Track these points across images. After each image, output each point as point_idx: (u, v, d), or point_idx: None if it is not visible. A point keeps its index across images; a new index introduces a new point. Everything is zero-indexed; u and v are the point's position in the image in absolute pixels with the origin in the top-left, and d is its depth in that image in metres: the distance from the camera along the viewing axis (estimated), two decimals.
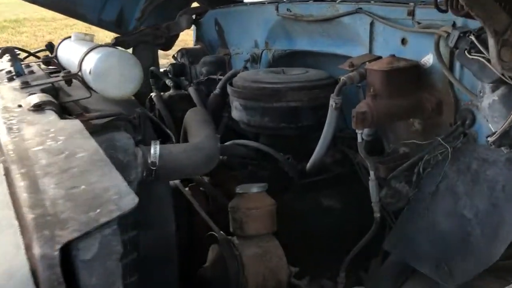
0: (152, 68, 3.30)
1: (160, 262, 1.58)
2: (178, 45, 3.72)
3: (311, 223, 2.13)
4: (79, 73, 1.56)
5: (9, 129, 1.03)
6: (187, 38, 4.60)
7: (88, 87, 1.57)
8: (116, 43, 3.11)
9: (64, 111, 1.42)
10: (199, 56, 3.35)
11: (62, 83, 1.59)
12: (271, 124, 2.19)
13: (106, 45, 1.66)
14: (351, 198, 2.24)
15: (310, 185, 2.27)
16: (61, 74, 1.55)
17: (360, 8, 1.99)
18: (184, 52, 3.41)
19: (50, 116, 1.15)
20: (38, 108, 1.21)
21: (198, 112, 1.89)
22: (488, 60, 1.31)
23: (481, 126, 1.59)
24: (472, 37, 1.34)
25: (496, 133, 1.33)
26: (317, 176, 2.26)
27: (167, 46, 3.55)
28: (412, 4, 1.77)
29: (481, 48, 1.31)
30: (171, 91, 3.10)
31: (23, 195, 0.69)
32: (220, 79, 2.94)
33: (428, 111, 1.73)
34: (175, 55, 3.50)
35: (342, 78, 1.78)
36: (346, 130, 2.49)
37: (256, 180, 2.30)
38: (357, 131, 1.70)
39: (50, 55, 2.74)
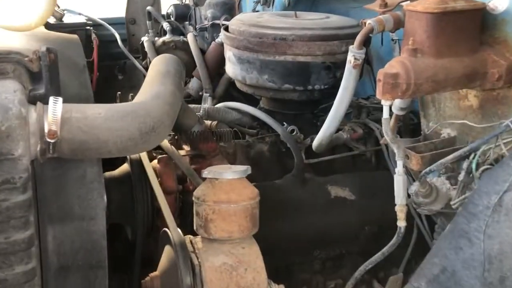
0: (149, 8, 2.79)
1: (84, 268, 1.12)
2: None
3: (312, 218, 1.62)
4: None
5: None
6: None
7: None
8: None
9: None
10: None
11: None
12: (271, 84, 1.68)
13: None
14: (370, 188, 1.71)
15: (320, 168, 1.75)
16: None
17: None
18: None
19: None
20: None
21: (163, 61, 1.36)
22: None
23: None
24: None
25: None
26: (328, 155, 1.74)
27: None
28: None
29: None
30: (166, 37, 2.60)
31: None
32: (224, 25, 2.40)
33: (493, 79, 1.17)
34: None
35: (369, 22, 1.22)
36: (373, 97, 1.97)
37: (252, 155, 1.83)
38: (383, 102, 1.15)
39: None
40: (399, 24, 1.23)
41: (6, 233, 0.90)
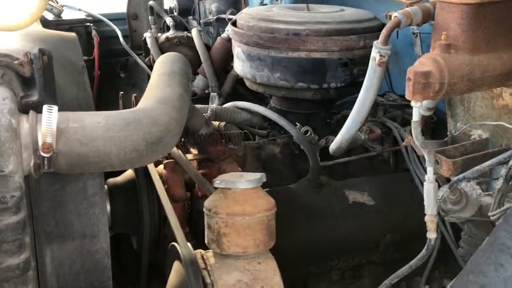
0: (151, 2, 2.68)
1: None
2: None
3: (329, 225, 1.52)
4: None
5: None
6: None
7: None
8: None
9: None
10: None
11: None
12: (283, 83, 1.58)
13: None
14: (391, 192, 1.60)
15: (335, 171, 1.65)
16: None
17: None
18: None
19: None
20: None
21: (169, 60, 1.26)
22: None
23: None
24: None
25: None
26: (343, 157, 1.64)
27: None
28: None
29: None
30: (169, 32, 2.49)
31: None
32: (230, 19, 2.29)
33: None
34: None
35: (395, 15, 1.11)
36: (389, 94, 1.86)
37: (263, 157, 1.72)
38: (413, 103, 1.04)
39: None
40: (428, 17, 1.12)
41: None
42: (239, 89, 2.31)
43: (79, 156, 0.82)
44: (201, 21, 2.64)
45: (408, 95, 1.05)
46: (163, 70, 1.19)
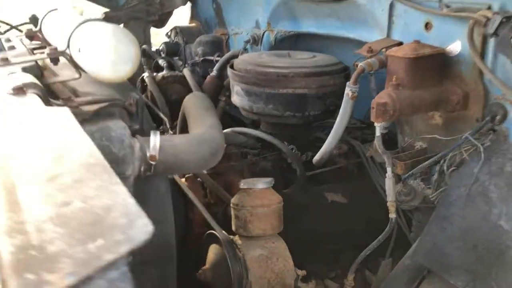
0: (144, 46, 3.10)
1: (158, 262, 1.43)
2: (171, 23, 3.50)
3: (315, 219, 1.99)
4: (67, 51, 1.36)
5: None
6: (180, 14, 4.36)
7: (78, 67, 1.37)
8: (105, 18, 2.90)
9: (50, 95, 1.23)
10: (194, 35, 3.17)
11: (48, 61, 1.39)
12: (275, 112, 2.03)
13: (98, 19, 1.46)
14: (357, 192, 2.10)
15: (314, 178, 2.12)
16: (46, 51, 1.35)
17: None
18: (178, 30, 3.22)
19: (33, 101, 0.97)
20: (19, 91, 1.02)
21: (199, 98, 1.71)
22: None
23: None
24: None
25: None
26: (320, 169, 2.11)
27: (160, 23, 3.33)
28: None
29: None
30: (164, 72, 2.90)
31: None
32: (217, 61, 2.76)
33: (453, 104, 1.57)
34: (168, 33, 3.30)
35: (360, 64, 1.61)
36: (352, 119, 2.37)
37: (257, 171, 2.17)
38: (376, 124, 1.54)
39: (34, 28, 2.53)
40: (382, 65, 1.62)
41: None
42: (226, 118, 2.76)
43: (171, 163, 1.24)
44: (188, 62, 3.07)
45: (372, 119, 1.54)
46: (198, 105, 1.64)
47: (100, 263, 0.43)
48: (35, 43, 1.87)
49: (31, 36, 1.86)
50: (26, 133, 0.77)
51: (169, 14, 3.33)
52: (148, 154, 1.21)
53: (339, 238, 2.00)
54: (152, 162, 1.20)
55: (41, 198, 0.55)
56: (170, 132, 2.28)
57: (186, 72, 2.84)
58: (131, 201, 0.53)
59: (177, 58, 3.23)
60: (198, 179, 1.93)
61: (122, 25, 3.09)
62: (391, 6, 1.77)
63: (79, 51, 1.26)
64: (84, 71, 1.38)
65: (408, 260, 1.60)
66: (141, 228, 0.48)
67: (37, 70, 1.33)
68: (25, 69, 1.27)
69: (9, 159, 0.66)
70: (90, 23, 1.34)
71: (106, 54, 1.23)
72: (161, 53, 3.22)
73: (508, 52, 1.27)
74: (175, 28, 3.24)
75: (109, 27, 1.27)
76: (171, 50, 3.19)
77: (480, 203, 1.33)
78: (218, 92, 2.70)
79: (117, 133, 1.16)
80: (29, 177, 0.60)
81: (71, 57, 1.38)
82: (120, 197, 0.55)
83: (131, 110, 1.25)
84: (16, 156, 0.67)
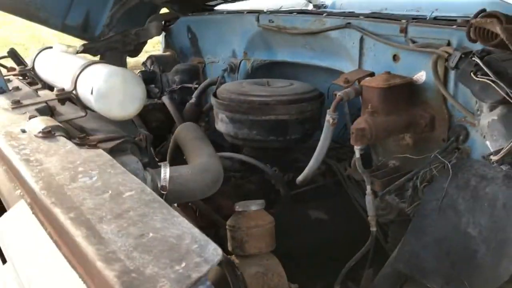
0: None
1: None
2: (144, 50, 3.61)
3: (301, 236, 2.14)
4: (73, 91, 1.48)
5: (26, 160, 0.95)
6: (152, 43, 4.49)
7: (83, 105, 1.49)
8: (84, 50, 2.99)
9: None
10: (169, 63, 3.29)
11: (54, 101, 1.50)
12: (259, 137, 2.18)
13: (102, 62, 1.57)
14: (337, 209, 2.27)
15: (297, 197, 2.28)
16: (55, 92, 1.46)
17: (349, 23, 2.01)
18: (154, 59, 3.32)
19: (65, 143, 1.07)
20: (48, 134, 1.12)
21: (191, 128, 1.84)
22: (493, 82, 1.36)
23: (475, 141, 1.65)
24: (477, 59, 1.39)
25: (501, 153, 1.38)
26: (301, 188, 2.27)
27: (135, 53, 3.44)
28: (404, 21, 1.81)
29: (487, 71, 1.35)
30: None
31: (88, 247, 0.63)
32: (196, 88, 2.90)
33: (422, 126, 1.77)
34: (145, 62, 3.41)
35: (339, 94, 1.79)
36: None
37: (243, 193, 2.30)
38: (355, 147, 1.71)
39: (14, 63, 2.60)
40: (358, 94, 1.81)
41: None
42: None
43: (180, 192, 1.36)
44: (166, 89, 3.18)
45: (352, 142, 1.71)
46: (191, 136, 1.77)
47: (191, 281, 0.56)
48: (27, 80, 1.95)
49: (24, 74, 1.95)
50: (75, 173, 0.89)
51: (144, 43, 3.44)
52: (159, 185, 1.32)
53: (324, 253, 2.15)
54: (163, 192, 1.32)
55: (118, 232, 0.67)
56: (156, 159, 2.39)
57: (165, 99, 2.96)
58: (196, 230, 0.66)
59: (153, 86, 3.33)
60: (189, 203, 2.06)
61: (99, 56, 3.19)
62: (361, 40, 1.97)
63: (91, 93, 1.37)
64: (89, 109, 1.50)
65: (388, 268, 1.78)
66: (212, 251, 0.61)
67: (48, 111, 1.43)
68: (38, 111, 1.37)
69: (73, 198, 0.77)
70: (97, 65, 1.46)
71: (116, 95, 1.35)
72: None
73: (468, 83, 1.48)
74: (150, 57, 3.36)
75: (119, 70, 1.40)
76: (148, 78, 3.28)
77: (450, 214, 1.52)
78: (197, 118, 2.84)
79: (131, 168, 1.28)
80: (98, 213, 0.72)
81: (77, 97, 1.49)
82: (185, 227, 0.67)
83: (141, 145, 1.36)
84: (78, 195, 0.78)
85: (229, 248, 1.74)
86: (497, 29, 1.13)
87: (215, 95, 2.32)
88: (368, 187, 1.78)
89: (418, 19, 1.81)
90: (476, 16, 1.31)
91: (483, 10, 1.31)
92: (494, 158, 1.40)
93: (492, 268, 1.36)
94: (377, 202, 1.86)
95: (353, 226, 2.02)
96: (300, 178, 2.05)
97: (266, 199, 2.26)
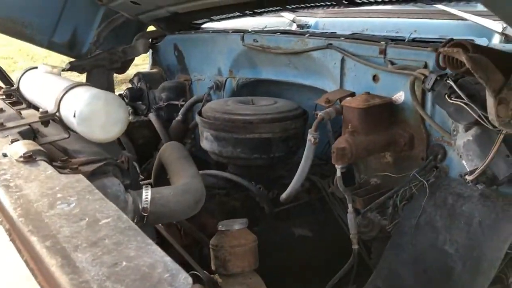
0: None
1: None
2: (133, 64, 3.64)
3: (285, 253, 2.15)
4: (57, 113, 1.50)
5: (6, 186, 0.96)
6: (142, 56, 4.50)
7: (66, 127, 1.50)
8: (71, 68, 3.01)
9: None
10: (156, 80, 3.31)
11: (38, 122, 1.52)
12: (243, 155, 2.20)
13: (85, 84, 1.60)
14: (321, 225, 2.29)
15: (281, 214, 2.30)
16: (38, 114, 1.47)
17: (331, 44, 2.06)
18: (141, 76, 3.35)
19: (45, 168, 1.09)
20: (29, 159, 1.14)
21: (175, 148, 1.86)
22: (466, 104, 1.40)
23: (452, 160, 1.69)
24: (451, 82, 1.43)
25: (475, 173, 1.41)
26: (286, 205, 2.29)
27: (122, 70, 3.46)
28: (383, 43, 1.85)
29: (460, 94, 1.39)
30: (130, 117, 3.02)
31: (62, 277, 0.64)
32: (182, 105, 2.93)
33: (401, 145, 1.81)
34: (132, 79, 3.43)
35: (320, 114, 1.82)
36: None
37: (227, 211, 2.32)
38: (336, 166, 1.74)
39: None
40: (339, 114, 1.85)
41: None
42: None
43: (161, 213, 1.38)
44: (153, 106, 3.20)
45: (333, 161, 1.74)
46: (175, 155, 1.79)
47: None
48: (12, 100, 1.97)
49: (9, 94, 1.97)
50: (53, 200, 0.90)
51: (131, 60, 3.47)
52: (140, 207, 1.34)
53: (307, 269, 2.17)
54: (144, 214, 1.34)
55: (93, 261, 0.69)
56: (141, 176, 2.40)
57: (152, 117, 2.99)
58: (168, 258, 0.68)
59: (140, 102, 3.35)
60: (174, 222, 2.07)
61: (85, 74, 3.21)
62: (342, 61, 2.01)
63: (74, 116, 1.39)
64: (72, 130, 1.51)
65: (370, 286, 1.80)
66: (183, 280, 0.63)
67: (31, 133, 1.44)
68: (21, 133, 1.39)
69: (50, 225, 0.79)
70: (79, 88, 1.48)
71: (99, 118, 1.37)
72: (125, 98, 3.34)
73: (443, 105, 1.52)
74: (138, 74, 3.38)
75: (101, 93, 1.42)
76: (135, 95, 3.31)
77: (427, 231, 1.55)
78: (184, 136, 2.86)
79: (113, 190, 1.30)
80: (74, 242, 0.74)
81: (60, 119, 1.51)
82: (158, 256, 0.69)
83: (123, 167, 1.38)
84: (55, 223, 0.80)
85: (213, 267, 1.76)
86: (463, 58, 1.17)
87: (200, 113, 2.34)
88: (350, 206, 1.81)
89: (396, 41, 1.86)
90: (444, 45, 1.36)
91: (451, 40, 1.35)
92: (468, 178, 1.44)
93: (468, 285, 1.39)
94: (359, 219, 1.89)
95: (338, 242, 2.04)
96: (283, 196, 2.07)
97: (250, 216, 2.30)
